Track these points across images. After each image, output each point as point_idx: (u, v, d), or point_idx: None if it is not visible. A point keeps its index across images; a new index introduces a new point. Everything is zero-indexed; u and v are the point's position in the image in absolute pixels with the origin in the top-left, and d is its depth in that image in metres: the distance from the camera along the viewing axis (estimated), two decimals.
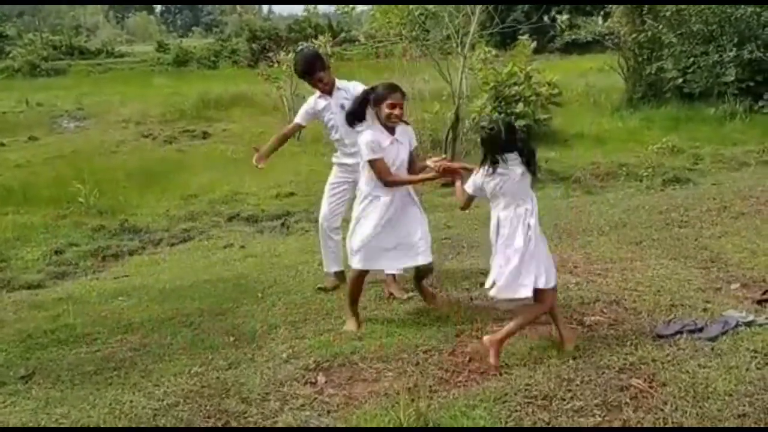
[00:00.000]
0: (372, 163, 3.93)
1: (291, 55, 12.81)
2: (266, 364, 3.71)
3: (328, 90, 4.79)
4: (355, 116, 4.07)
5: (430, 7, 10.90)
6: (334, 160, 4.97)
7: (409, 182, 4.09)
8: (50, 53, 38.48)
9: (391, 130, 4.00)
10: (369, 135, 3.93)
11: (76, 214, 8.27)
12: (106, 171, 10.58)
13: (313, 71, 4.73)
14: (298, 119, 4.96)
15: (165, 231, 7.70)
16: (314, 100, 4.87)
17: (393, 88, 3.99)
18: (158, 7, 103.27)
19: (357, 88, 4.61)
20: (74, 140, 14.76)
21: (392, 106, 3.92)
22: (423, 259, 4.07)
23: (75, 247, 7.16)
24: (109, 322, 4.55)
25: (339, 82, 4.81)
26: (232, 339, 4.10)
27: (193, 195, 9.24)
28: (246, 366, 3.71)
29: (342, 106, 4.70)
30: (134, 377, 3.68)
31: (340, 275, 4.96)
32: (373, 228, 3.97)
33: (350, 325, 4.13)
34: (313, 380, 3.49)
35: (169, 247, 7.19)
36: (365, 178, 4.06)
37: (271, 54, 14.68)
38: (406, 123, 4.17)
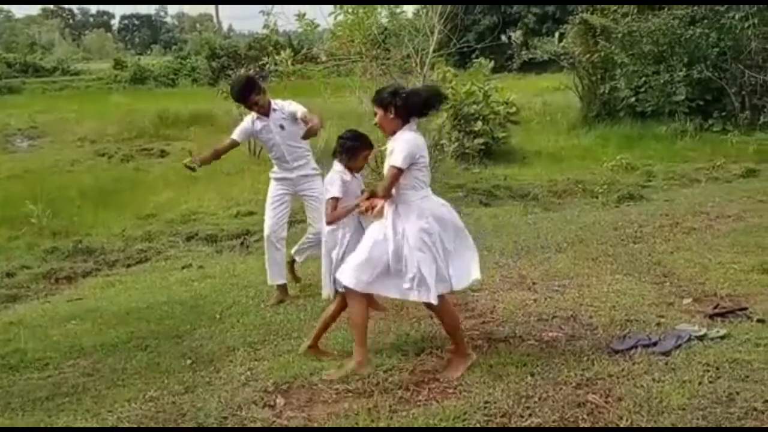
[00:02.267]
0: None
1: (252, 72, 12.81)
2: (224, 387, 3.64)
3: (264, 112, 4.92)
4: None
5: (388, 23, 11.02)
6: (272, 175, 5.12)
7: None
8: (4, 71, 37.67)
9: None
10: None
11: (29, 235, 8.06)
12: (60, 190, 10.32)
13: (248, 96, 4.88)
14: (235, 136, 5.01)
15: (120, 252, 7.54)
16: (251, 121, 4.99)
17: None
18: (116, 24, 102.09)
19: (291, 106, 4.87)
20: (28, 159, 14.42)
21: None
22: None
23: (27, 269, 6.96)
24: (61, 346, 4.43)
25: (274, 103, 4.97)
26: (188, 362, 4.03)
27: (151, 214, 9.07)
28: (203, 390, 3.64)
29: (281, 126, 4.90)
30: (87, 403, 3.58)
31: (283, 288, 5.06)
32: None
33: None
34: (272, 403, 3.44)
35: (124, 269, 7.04)
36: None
37: (231, 72, 14.61)
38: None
